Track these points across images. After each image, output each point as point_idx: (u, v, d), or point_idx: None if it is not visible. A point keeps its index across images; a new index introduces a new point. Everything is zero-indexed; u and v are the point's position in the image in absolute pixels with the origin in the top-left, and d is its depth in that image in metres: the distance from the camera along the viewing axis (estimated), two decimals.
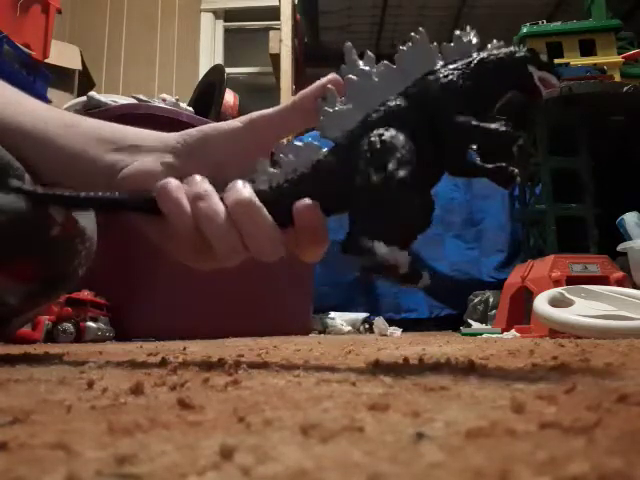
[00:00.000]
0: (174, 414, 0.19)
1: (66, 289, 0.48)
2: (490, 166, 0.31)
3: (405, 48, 0.32)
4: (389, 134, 0.30)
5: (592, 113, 1.35)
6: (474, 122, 0.29)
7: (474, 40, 0.31)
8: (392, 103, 0.31)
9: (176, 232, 0.35)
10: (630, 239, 1.20)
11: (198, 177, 0.35)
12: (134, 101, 1.29)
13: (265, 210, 0.34)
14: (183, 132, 0.40)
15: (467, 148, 0.30)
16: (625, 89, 1.30)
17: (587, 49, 1.49)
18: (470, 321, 1.57)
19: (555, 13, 2.43)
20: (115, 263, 1.05)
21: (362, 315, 1.86)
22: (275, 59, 2.42)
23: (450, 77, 0.30)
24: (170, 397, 0.23)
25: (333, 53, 2.99)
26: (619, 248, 1.14)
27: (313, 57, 2.81)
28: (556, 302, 0.98)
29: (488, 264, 1.96)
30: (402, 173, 0.28)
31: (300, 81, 2.50)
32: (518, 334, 1.12)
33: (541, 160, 1.33)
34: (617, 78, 1.43)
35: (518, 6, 2.41)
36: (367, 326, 1.83)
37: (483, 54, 0.31)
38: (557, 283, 1.13)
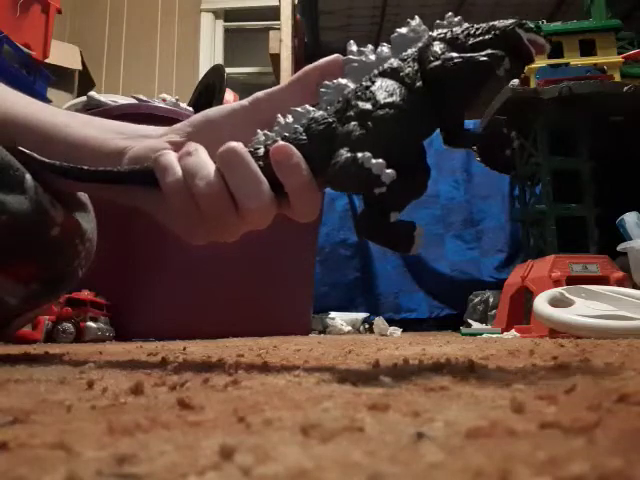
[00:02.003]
0: (174, 414, 0.19)
1: (66, 289, 0.48)
2: (484, 133, 0.33)
3: (400, 30, 0.34)
4: (379, 79, 0.32)
5: (592, 113, 1.35)
6: (456, 54, 0.31)
7: (465, 24, 0.34)
8: (385, 65, 0.33)
9: (167, 195, 0.35)
10: (630, 239, 1.20)
11: (194, 143, 0.35)
12: (134, 101, 1.29)
13: (251, 158, 0.33)
14: (189, 118, 0.41)
15: (458, 93, 0.32)
16: (625, 89, 1.30)
17: (587, 49, 1.49)
18: (470, 321, 1.57)
19: (555, 13, 2.43)
20: (115, 263, 1.05)
21: (362, 315, 1.86)
22: (275, 59, 2.41)
23: (442, 35, 0.33)
24: (170, 397, 0.23)
25: (333, 53, 2.99)
26: (619, 248, 1.14)
27: (313, 57, 2.80)
28: (556, 302, 0.98)
29: (488, 264, 1.96)
30: (390, 99, 0.31)
31: None
32: (518, 334, 1.12)
33: (541, 160, 1.33)
34: (617, 78, 1.43)
35: (518, 6, 2.42)
36: (367, 326, 1.83)
37: (472, 25, 0.33)
38: (557, 283, 1.13)
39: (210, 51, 3.41)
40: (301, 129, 0.34)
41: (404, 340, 0.92)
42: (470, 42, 0.32)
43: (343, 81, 0.34)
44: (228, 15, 3.51)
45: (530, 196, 1.43)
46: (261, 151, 0.34)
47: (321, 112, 0.33)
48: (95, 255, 0.49)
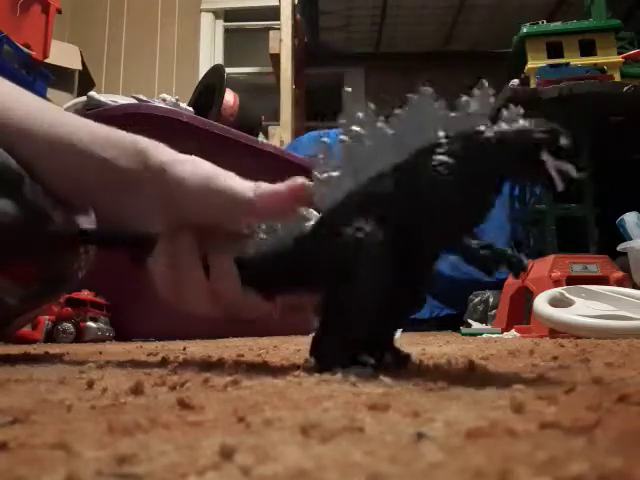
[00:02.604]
0: (174, 414, 0.19)
1: (66, 290, 0.48)
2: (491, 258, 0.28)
3: (403, 112, 0.29)
4: (360, 236, 0.28)
5: (592, 113, 1.35)
6: (457, 244, 0.28)
7: (484, 110, 0.28)
8: (378, 185, 0.29)
9: (159, 293, 0.37)
10: (630, 239, 1.20)
11: (185, 242, 0.35)
12: (134, 101, 1.29)
13: (244, 296, 0.35)
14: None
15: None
16: (625, 89, 1.30)
17: (587, 49, 1.49)
18: (470, 321, 1.57)
19: (555, 13, 2.43)
20: (115, 263, 1.05)
21: None
22: (275, 59, 2.42)
23: (445, 161, 0.27)
24: (170, 397, 0.23)
25: (333, 53, 2.99)
26: (619, 248, 1.14)
27: (313, 57, 2.81)
28: (556, 302, 0.98)
29: None
30: (366, 297, 0.28)
31: (300, 81, 2.50)
32: (518, 334, 1.12)
33: None
34: (617, 78, 1.44)
35: (518, 6, 2.42)
36: None
37: (489, 132, 0.27)
38: (557, 283, 1.13)
39: (210, 51, 3.41)
40: (291, 247, 0.33)
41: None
42: (476, 167, 0.27)
43: (334, 174, 0.30)
44: (228, 15, 3.51)
45: (530, 196, 1.43)
46: (255, 260, 0.35)
47: (308, 233, 0.32)
48: (95, 255, 0.49)
